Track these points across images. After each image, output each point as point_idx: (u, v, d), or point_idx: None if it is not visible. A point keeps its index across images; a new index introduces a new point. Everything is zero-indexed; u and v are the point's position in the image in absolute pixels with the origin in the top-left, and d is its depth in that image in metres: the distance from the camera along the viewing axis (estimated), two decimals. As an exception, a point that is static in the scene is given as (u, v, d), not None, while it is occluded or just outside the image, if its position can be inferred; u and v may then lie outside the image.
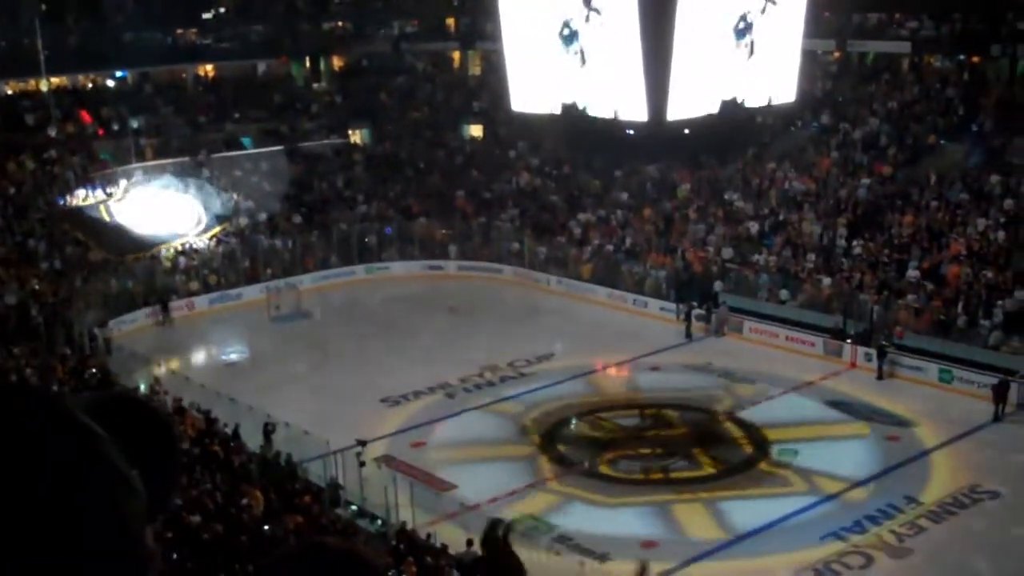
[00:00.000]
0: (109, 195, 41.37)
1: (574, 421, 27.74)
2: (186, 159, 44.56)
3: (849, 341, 31.36)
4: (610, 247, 39.94)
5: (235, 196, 43.71)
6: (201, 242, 41.10)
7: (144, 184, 42.58)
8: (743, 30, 29.55)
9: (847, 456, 25.04)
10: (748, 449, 25.73)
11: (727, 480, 24.18)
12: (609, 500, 23.39)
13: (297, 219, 43.90)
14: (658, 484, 24.08)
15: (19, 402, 1.21)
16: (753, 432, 26.56)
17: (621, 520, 22.31)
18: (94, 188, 41.25)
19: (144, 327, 36.52)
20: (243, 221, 42.76)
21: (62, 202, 40.25)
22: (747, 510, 22.62)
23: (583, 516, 22.53)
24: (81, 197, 40.81)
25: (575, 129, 36.50)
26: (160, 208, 41.21)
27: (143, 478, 1.29)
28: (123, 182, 42.35)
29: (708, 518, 22.44)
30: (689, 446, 25.89)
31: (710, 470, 24.72)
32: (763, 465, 24.78)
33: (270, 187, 44.73)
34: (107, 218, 40.49)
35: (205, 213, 42.41)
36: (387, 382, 30.28)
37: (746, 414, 27.71)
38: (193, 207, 42.47)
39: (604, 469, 24.93)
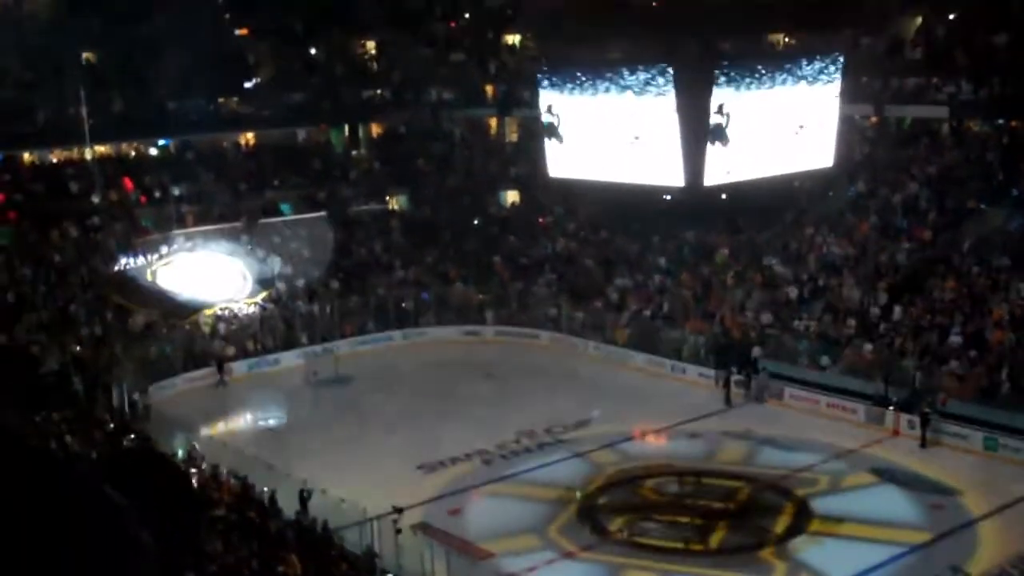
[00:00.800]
0: (155, 259, 42.00)
1: (614, 489, 27.58)
2: (234, 224, 45.27)
3: (891, 408, 31.04)
4: (648, 312, 39.92)
5: (281, 261, 44.31)
6: (248, 307, 41.59)
7: (191, 249, 43.21)
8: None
9: (891, 516, 24.69)
10: (777, 531, 24.92)
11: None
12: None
13: (335, 284, 44.28)
14: (704, 554, 23.83)
15: (36, 467, 1.31)
16: (798, 515, 25.75)
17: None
18: (137, 255, 41.85)
19: (183, 392, 36.80)
20: (282, 287, 43.19)
21: (109, 266, 40.93)
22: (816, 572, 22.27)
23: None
24: (125, 262, 41.41)
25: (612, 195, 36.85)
26: (206, 273, 41.91)
27: (164, 535, 1.37)
28: (168, 247, 42.94)
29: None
30: (716, 519, 25.54)
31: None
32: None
33: (315, 253, 45.24)
34: (154, 282, 41.07)
35: (251, 278, 42.92)
36: (424, 448, 30.29)
37: (787, 480, 27.39)
38: (239, 272, 43.01)
39: (615, 533, 24.87)
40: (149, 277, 41.23)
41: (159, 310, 39.34)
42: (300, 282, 43.65)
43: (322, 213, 47.86)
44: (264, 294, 42.39)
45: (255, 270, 43.39)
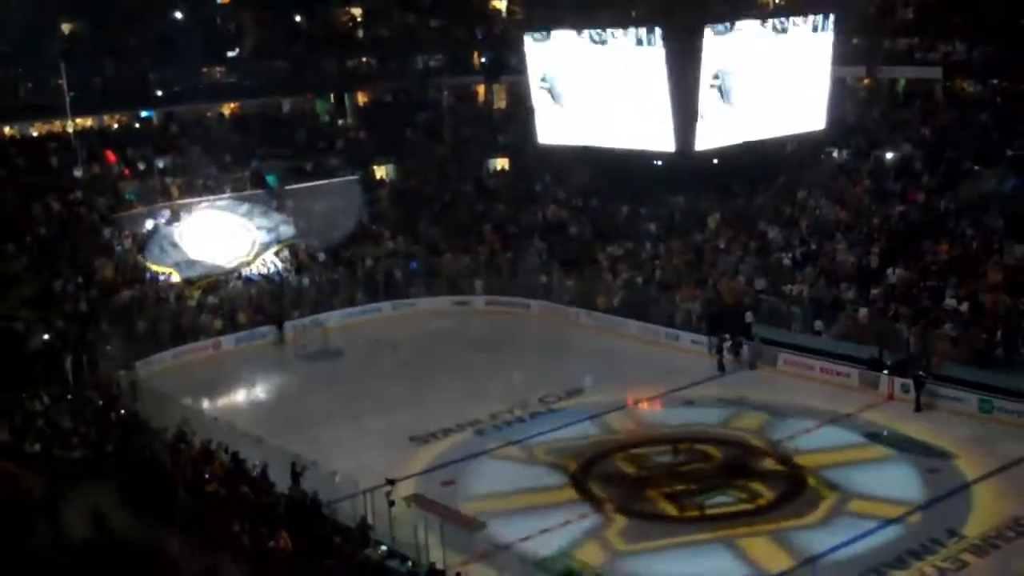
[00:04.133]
0: (174, 221, 42.75)
1: (607, 458, 27.69)
2: (259, 192, 45.74)
3: (886, 372, 31.15)
4: (640, 279, 39.92)
5: (298, 222, 44.95)
6: (261, 266, 42.76)
7: (206, 213, 43.70)
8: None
9: (887, 480, 24.94)
10: (771, 496, 25.12)
11: (776, 512, 23.96)
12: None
13: (322, 256, 44.22)
14: (700, 521, 23.92)
15: None
16: (790, 464, 26.40)
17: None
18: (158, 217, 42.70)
19: (172, 367, 36.83)
20: (313, 244, 44.23)
21: (140, 230, 41.89)
22: (809, 539, 22.55)
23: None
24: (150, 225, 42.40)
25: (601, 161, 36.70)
26: (223, 237, 42.87)
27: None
28: (186, 212, 43.34)
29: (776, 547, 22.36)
30: (728, 479, 25.73)
31: (761, 502, 24.51)
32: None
33: (345, 217, 45.92)
34: (179, 244, 41.82)
35: (265, 238, 43.64)
36: (416, 420, 30.40)
37: (782, 446, 27.55)
38: (252, 234, 43.72)
39: (661, 505, 24.85)
40: (176, 238, 42.03)
41: (184, 273, 40.95)
42: (316, 249, 44.47)
43: (353, 176, 48.44)
44: (280, 245, 43.26)
45: (276, 230, 43.98)
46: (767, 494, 24.91)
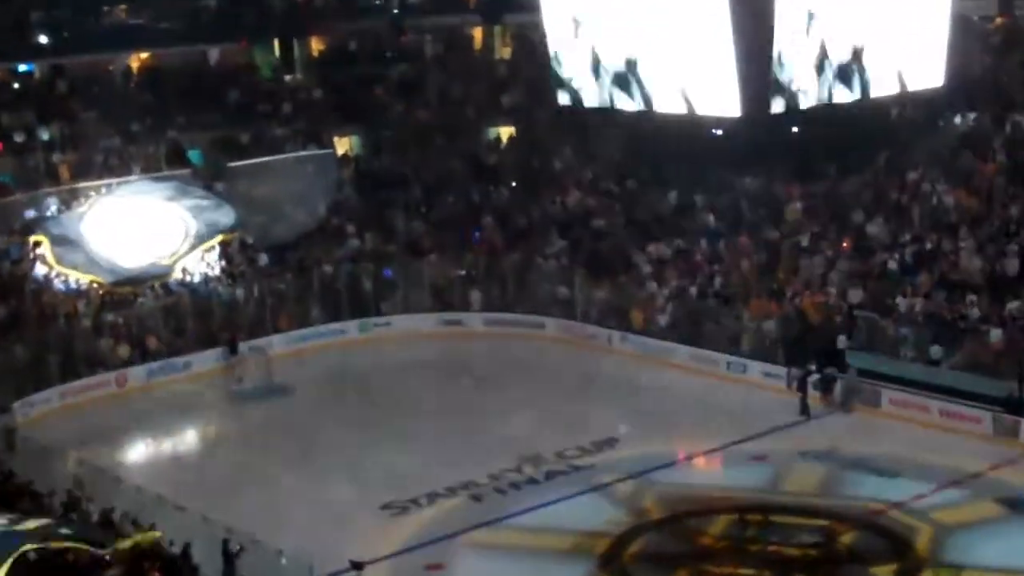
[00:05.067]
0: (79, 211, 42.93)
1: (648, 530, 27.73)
2: (180, 171, 46.00)
3: (1028, 415, 31.21)
4: (693, 290, 39.94)
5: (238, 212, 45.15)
6: (196, 261, 43.15)
7: (111, 200, 43.83)
8: None
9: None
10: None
11: None
12: None
13: (264, 259, 44.19)
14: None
15: None
16: (905, 563, 25.98)
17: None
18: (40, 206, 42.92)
19: (62, 409, 36.87)
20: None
21: (16, 224, 42.12)
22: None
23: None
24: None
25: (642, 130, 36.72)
26: (138, 228, 42.93)
27: None
28: (83, 197, 43.57)
29: None
30: (792, 570, 25.61)
31: None
32: None
33: (302, 206, 46.58)
34: (77, 242, 42.04)
35: (198, 227, 43.80)
36: (390, 481, 30.38)
37: (896, 525, 27.42)
38: (181, 223, 43.88)
39: None
40: (75, 235, 42.16)
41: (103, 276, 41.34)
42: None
43: (327, 151, 49.21)
44: (220, 237, 43.80)
45: (213, 218, 44.30)
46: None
